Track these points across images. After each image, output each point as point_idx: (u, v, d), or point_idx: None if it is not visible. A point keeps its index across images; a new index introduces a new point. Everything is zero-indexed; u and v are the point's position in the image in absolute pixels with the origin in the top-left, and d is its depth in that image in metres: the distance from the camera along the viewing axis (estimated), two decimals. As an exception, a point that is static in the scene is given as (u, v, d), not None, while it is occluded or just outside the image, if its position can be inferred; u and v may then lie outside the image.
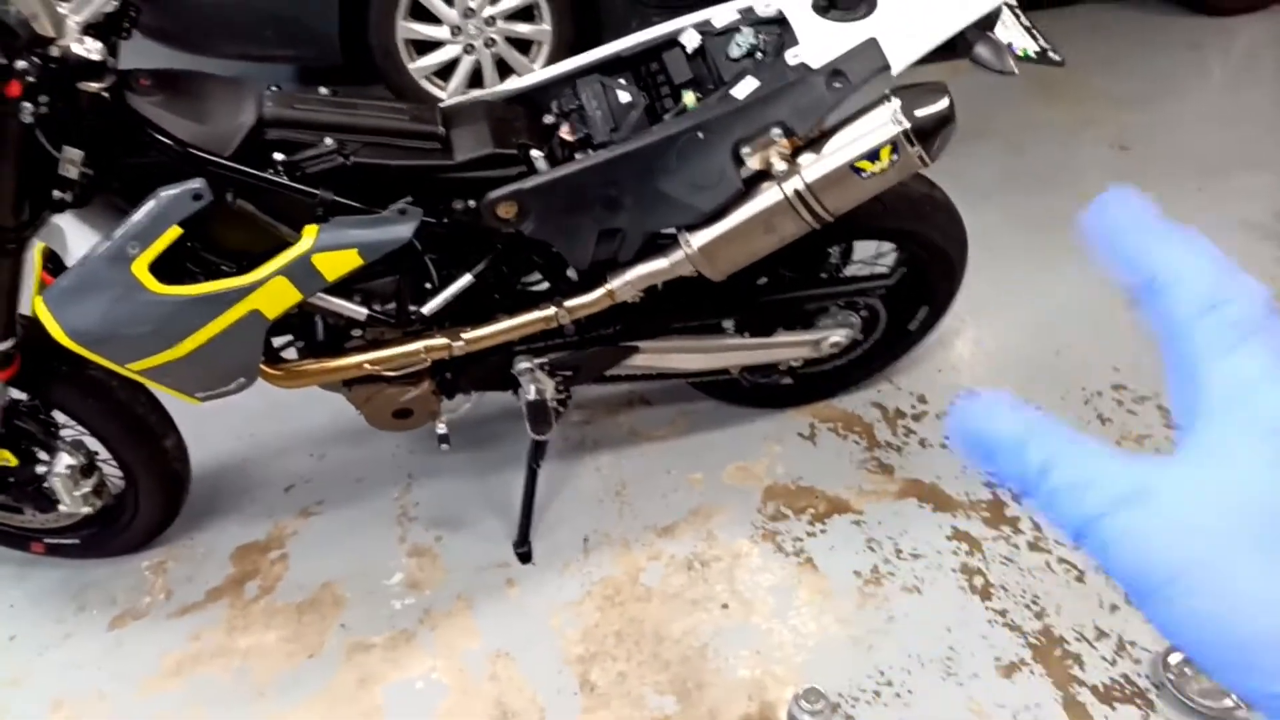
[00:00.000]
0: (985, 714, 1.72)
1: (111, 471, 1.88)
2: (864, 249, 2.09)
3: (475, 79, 3.45)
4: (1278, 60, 3.94)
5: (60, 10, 1.22)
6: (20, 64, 1.18)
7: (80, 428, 1.79)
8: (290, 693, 1.81)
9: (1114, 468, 0.34)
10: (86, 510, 1.84)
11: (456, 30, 3.34)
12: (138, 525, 1.97)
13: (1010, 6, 1.65)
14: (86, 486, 1.80)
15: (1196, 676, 1.73)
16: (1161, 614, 0.33)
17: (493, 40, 3.40)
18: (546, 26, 3.41)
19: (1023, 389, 2.35)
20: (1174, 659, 1.75)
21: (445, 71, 3.42)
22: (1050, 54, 1.65)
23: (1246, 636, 0.31)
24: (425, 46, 3.37)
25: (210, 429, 2.05)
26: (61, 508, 1.82)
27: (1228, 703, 1.67)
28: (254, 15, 3.20)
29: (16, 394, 1.70)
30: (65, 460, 1.76)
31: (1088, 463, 0.34)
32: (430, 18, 3.32)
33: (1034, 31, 1.68)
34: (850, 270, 2.09)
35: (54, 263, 1.57)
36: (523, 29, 3.41)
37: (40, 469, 1.78)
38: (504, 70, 3.48)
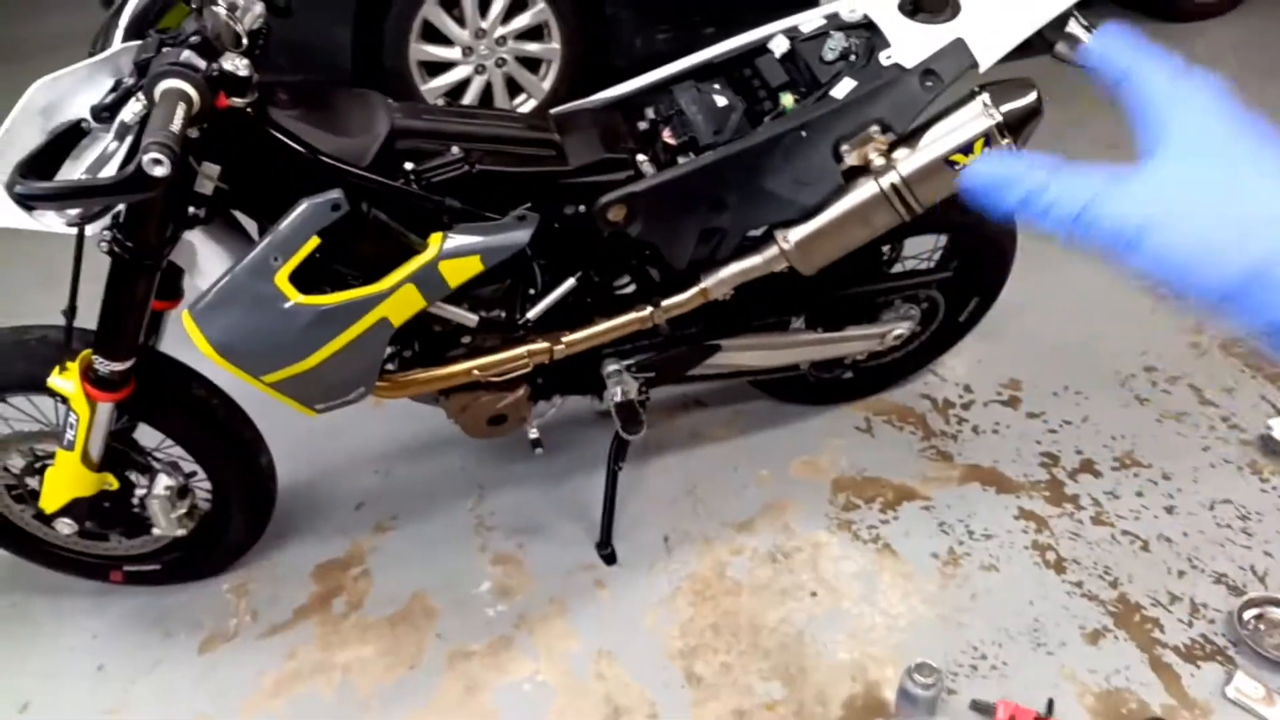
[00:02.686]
0: (1080, 679, 1.80)
1: (201, 494, 1.86)
2: (916, 245, 2.17)
3: (486, 98, 3.49)
4: (1240, 61, 4.18)
5: (235, 27, 1.23)
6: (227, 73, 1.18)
7: (177, 448, 1.77)
8: (396, 704, 1.81)
9: (1098, 172, 0.47)
10: (180, 532, 1.81)
11: (468, 51, 3.38)
12: (224, 547, 1.95)
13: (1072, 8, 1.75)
14: (183, 508, 1.78)
15: (1270, 631, 1.84)
16: (1149, 260, 0.45)
17: (503, 60, 3.44)
18: (556, 45, 3.46)
19: (1059, 375, 2.46)
20: (1248, 615, 1.86)
21: (456, 92, 3.45)
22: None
23: (1227, 275, 0.43)
24: (437, 68, 3.40)
25: (273, 451, 2.03)
26: (156, 530, 1.79)
27: (1305, 653, 1.78)
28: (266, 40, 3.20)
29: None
30: (164, 481, 1.74)
31: (1076, 173, 0.47)
32: (442, 39, 3.35)
33: (1093, 30, 1.78)
34: (908, 265, 2.18)
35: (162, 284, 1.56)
36: (532, 48, 3.45)
37: (139, 491, 1.75)
38: (514, 89, 3.53)
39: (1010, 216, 0.49)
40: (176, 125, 1.03)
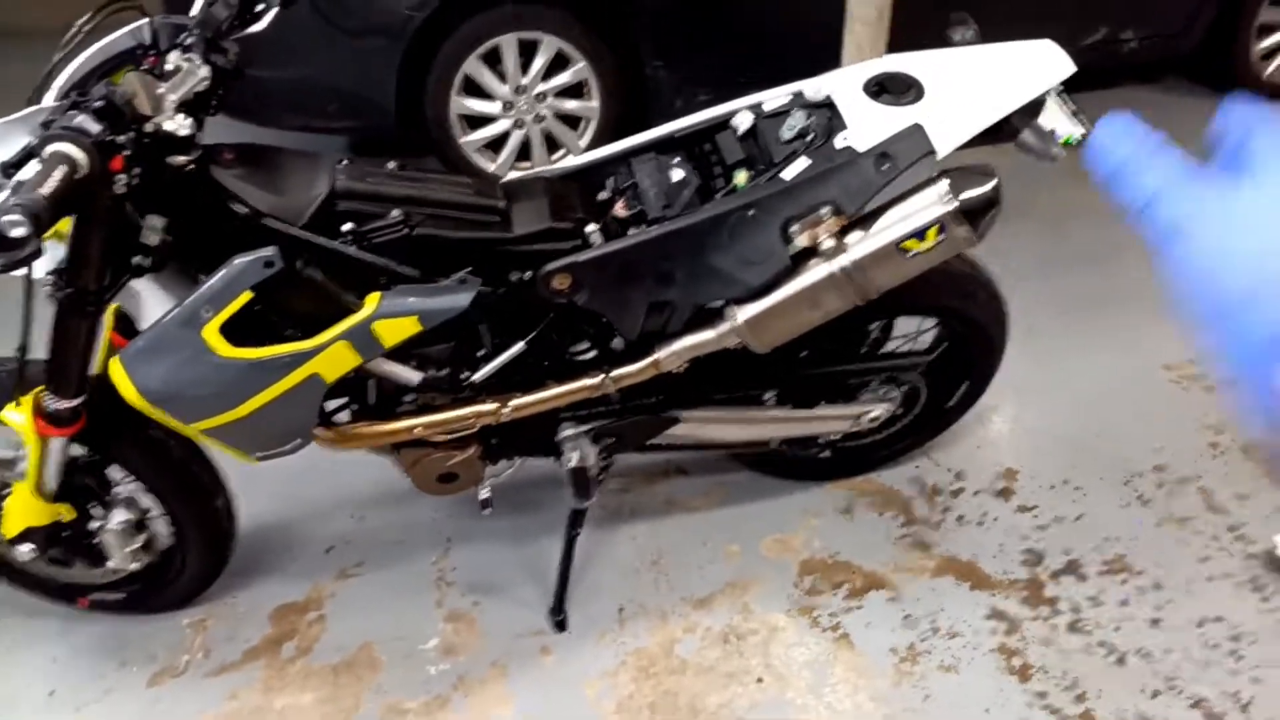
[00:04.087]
0: (1029, 800, 1.69)
1: (159, 529, 1.91)
2: (905, 325, 2.12)
3: (524, 152, 3.56)
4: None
5: (158, 90, 1.29)
6: (121, 140, 1.24)
7: (135, 484, 1.83)
8: (326, 756, 1.81)
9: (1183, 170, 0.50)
10: (134, 566, 1.86)
11: (508, 106, 3.46)
12: (183, 582, 2.00)
13: (1058, 91, 1.69)
14: (137, 542, 1.83)
15: (1246, 768, 1.70)
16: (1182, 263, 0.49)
17: (542, 116, 3.52)
18: (595, 104, 3.52)
19: (1060, 468, 2.35)
20: (1223, 748, 1.72)
21: (495, 144, 3.53)
22: (1092, 141, 1.69)
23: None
24: (477, 121, 3.49)
25: (253, 489, 2.07)
26: (110, 563, 1.85)
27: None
28: (318, 90, 3.35)
29: (77, 449, 1.74)
30: (120, 516, 1.79)
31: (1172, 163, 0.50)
32: (483, 94, 3.44)
33: (1080, 117, 1.72)
34: (891, 346, 2.12)
35: (124, 324, 1.63)
36: (571, 105, 3.52)
37: (95, 524, 1.81)
38: (552, 145, 3.60)
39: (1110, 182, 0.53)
40: (48, 188, 1.08)
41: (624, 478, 2.37)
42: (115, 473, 1.84)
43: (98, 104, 1.20)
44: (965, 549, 2.16)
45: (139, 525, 1.83)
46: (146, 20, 1.56)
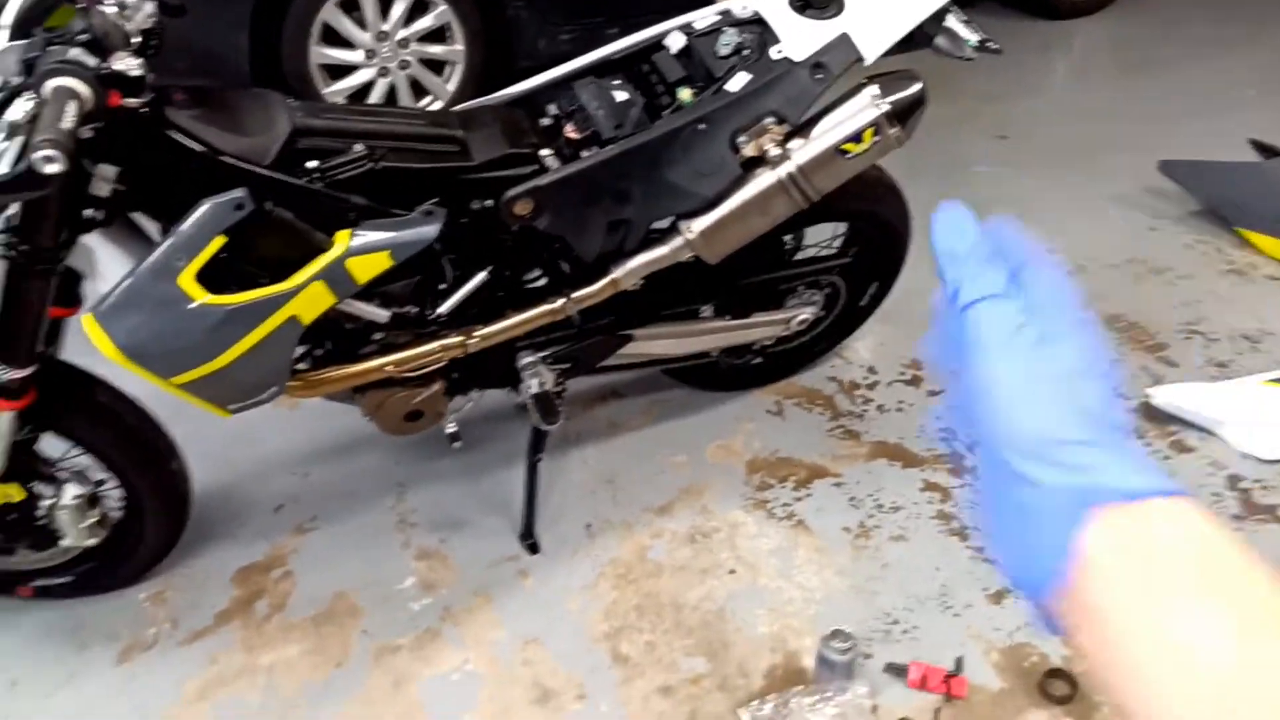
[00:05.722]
0: (985, 638, 1.90)
1: (111, 503, 1.83)
2: (815, 234, 2.26)
3: (389, 101, 3.48)
4: (1113, 57, 4.42)
5: (124, 27, 1.23)
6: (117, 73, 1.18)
7: (84, 456, 1.75)
8: (324, 702, 1.81)
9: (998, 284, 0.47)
10: (91, 542, 1.79)
11: (370, 54, 3.37)
12: (140, 555, 1.93)
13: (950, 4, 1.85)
14: (93, 517, 1.76)
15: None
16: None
17: (406, 62, 3.44)
18: (459, 47, 3.48)
19: (958, 354, 2.57)
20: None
21: (360, 95, 3.43)
22: (988, 44, 1.86)
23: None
24: (339, 71, 3.38)
25: (188, 457, 2.00)
26: (64, 542, 1.77)
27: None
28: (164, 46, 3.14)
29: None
30: (73, 490, 1.71)
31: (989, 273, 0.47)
32: (343, 42, 3.33)
33: (971, 25, 1.88)
34: (805, 255, 2.26)
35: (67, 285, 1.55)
36: (435, 50, 3.47)
37: (45, 502, 1.72)
38: (418, 91, 3.53)
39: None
40: (67, 122, 1.04)
41: (565, 405, 2.42)
42: (55, 448, 1.76)
43: (81, 37, 1.14)
44: (891, 433, 2.35)
45: (94, 499, 1.76)
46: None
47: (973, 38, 1.84)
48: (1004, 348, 0.43)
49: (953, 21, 1.84)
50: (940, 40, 1.77)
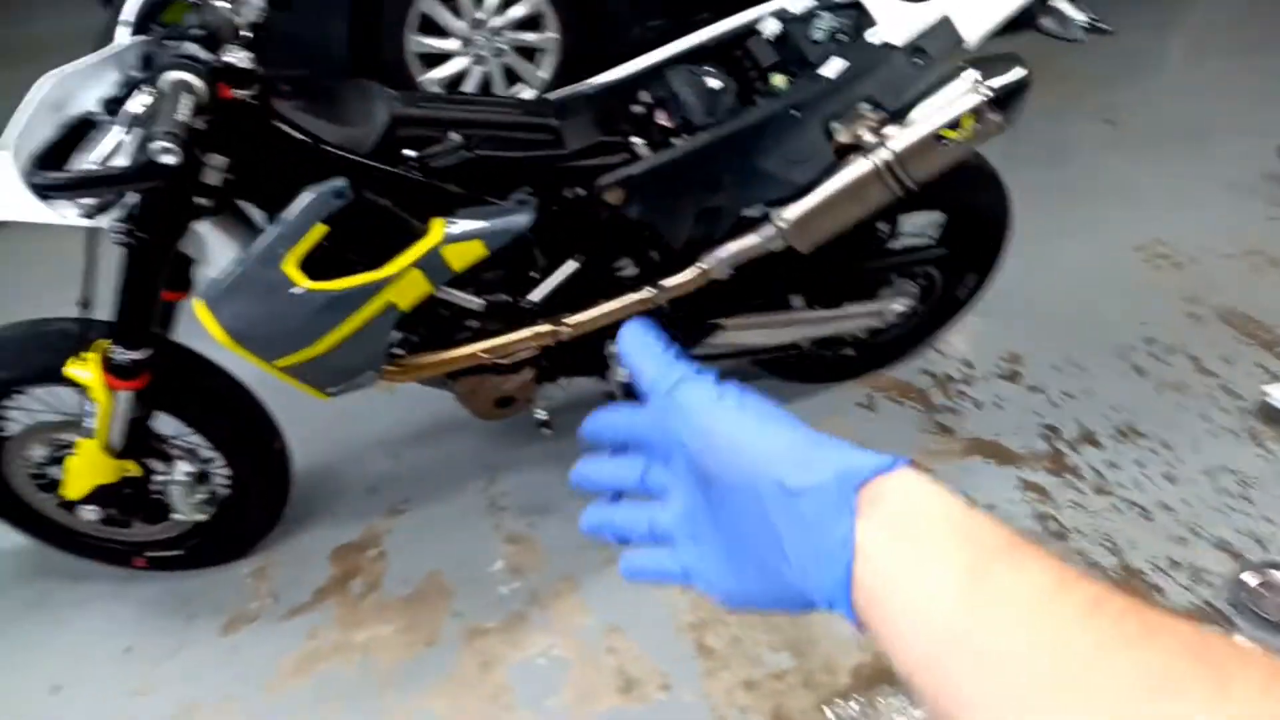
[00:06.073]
0: (1082, 642, 1.83)
1: (219, 480, 1.91)
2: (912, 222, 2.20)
3: (484, 89, 3.53)
4: (1231, 35, 4.19)
5: (235, 21, 1.27)
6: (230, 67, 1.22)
7: (196, 436, 1.82)
8: (416, 680, 1.86)
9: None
10: (200, 518, 1.87)
11: (466, 42, 3.42)
12: (244, 532, 2.00)
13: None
14: (202, 494, 1.83)
15: (1270, 593, 1.87)
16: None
17: (501, 50, 3.48)
18: (553, 35, 3.50)
19: (1058, 348, 2.49)
20: (1249, 579, 1.89)
21: (454, 83, 3.49)
22: (1099, 24, 1.78)
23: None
24: (434, 59, 3.44)
25: (289, 437, 2.07)
26: (175, 516, 1.85)
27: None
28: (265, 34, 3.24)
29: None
30: (183, 467, 1.79)
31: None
32: (440, 31, 3.38)
33: (1080, 5, 1.81)
34: (902, 244, 2.21)
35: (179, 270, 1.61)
36: (529, 38, 3.49)
37: (159, 478, 1.81)
38: (512, 79, 3.57)
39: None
40: (182, 115, 1.08)
41: (652, 395, 2.43)
42: (169, 427, 1.84)
43: (195, 32, 1.18)
44: (987, 430, 2.28)
45: (203, 476, 1.83)
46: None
47: (1081, 18, 1.76)
48: (722, 407, 0.48)
49: (1060, 1, 1.77)
50: (1046, 21, 1.70)
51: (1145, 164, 3.25)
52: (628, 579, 0.57)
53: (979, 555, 0.40)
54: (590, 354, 1.95)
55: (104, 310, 1.56)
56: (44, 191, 1.13)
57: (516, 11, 3.43)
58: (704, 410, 0.48)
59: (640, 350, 0.52)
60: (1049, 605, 0.38)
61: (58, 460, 1.79)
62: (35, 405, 1.78)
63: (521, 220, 1.61)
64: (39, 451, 1.82)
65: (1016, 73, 1.68)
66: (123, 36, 1.34)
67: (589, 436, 0.56)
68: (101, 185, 1.19)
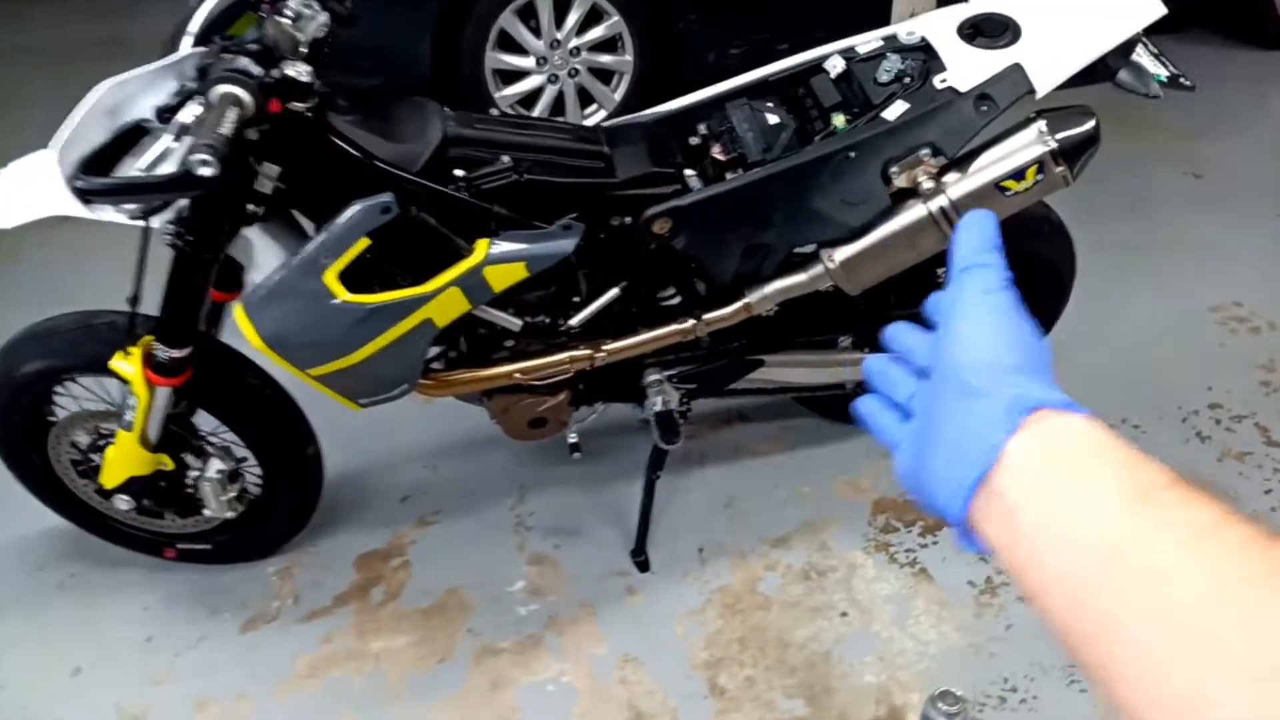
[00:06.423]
0: (1115, 723, 1.76)
1: (250, 479, 1.93)
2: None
3: (557, 108, 3.54)
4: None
5: (295, 36, 1.29)
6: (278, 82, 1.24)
7: (230, 435, 1.85)
8: (426, 694, 1.85)
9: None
10: (229, 515, 1.89)
11: (542, 61, 3.44)
12: (271, 531, 2.02)
13: (1140, 35, 1.71)
14: (233, 491, 1.85)
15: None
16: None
17: (576, 71, 3.49)
18: (629, 57, 3.50)
19: (1118, 407, 2.40)
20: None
21: (529, 100, 3.51)
22: (1181, 80, 1.71)
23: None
24: (511, 76, 3.47)
25: (325, 442, 2.09)
26: (206, 512, 1.87)
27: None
28: (350, 44, 3.30)
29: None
30: (216, 465, 1.81)
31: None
32: (518, 49, 3.41)
33: (1163, 59, 1.74)
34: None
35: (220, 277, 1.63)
36: (605, 60, 3.49)
37: (192, 473, 1.83)
38: (585, 99, 3.57)
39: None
40: (226, 128, 1.09)
41: (690, 425, 2.39)
42: (206, 423, 1.86)
43: (252, 46, 1.20)
44: (1033, 487, 2.20)
45: (235, 474, 1.85)
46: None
47: (1162, 73, 1.70)
48: (982, 299, 0.51)
49: (1141, 53, 1.71)
50: (1124, 75, 1.64)
51: (1229, 222, 3.12)
52: (853, 412, 0.60)
53: (1141, 483, 0.41)
54: (626, 380, 1.93)
55: (153, 306, 1.59)
56: (84, 195, 1.16)
57: (595, 33, 3.43)
58: (968, 294, 0.52)
59: (969, 230, 0.55)
60: (1213, 534, 0.38)
61: (100, 448, 1.83)
62: (83, 393, 1.82)
63: (565, 245, 1.60)
64: (82, 438, 1.86)
65: (1087, 126, 1.62)
66: (186, 46, 1.36)
67: (884, 342, 0.61)
68: (139, 192, 1.21)
